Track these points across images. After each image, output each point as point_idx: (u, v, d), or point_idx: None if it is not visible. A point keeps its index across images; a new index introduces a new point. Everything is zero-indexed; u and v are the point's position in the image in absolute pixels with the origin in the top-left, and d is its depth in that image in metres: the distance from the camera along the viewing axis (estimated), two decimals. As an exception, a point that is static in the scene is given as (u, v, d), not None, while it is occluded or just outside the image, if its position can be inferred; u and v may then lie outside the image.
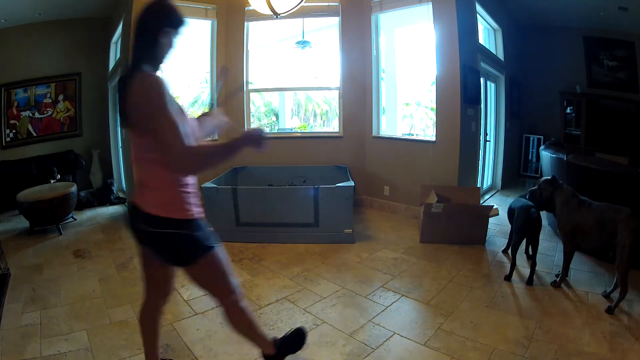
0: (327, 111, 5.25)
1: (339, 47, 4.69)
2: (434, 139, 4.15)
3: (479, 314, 2.34)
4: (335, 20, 4.69)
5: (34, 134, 5.59)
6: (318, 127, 5.31)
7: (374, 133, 4.71)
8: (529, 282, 2.70)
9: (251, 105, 4.95)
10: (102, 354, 1.99)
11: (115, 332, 2.19)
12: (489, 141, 5.29)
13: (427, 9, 4.02)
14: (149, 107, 1.22)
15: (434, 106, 4.12)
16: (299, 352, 1.99)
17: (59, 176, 4.64)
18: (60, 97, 5.71)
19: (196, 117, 1.71)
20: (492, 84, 5.32)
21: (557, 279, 2.68)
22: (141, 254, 1.59)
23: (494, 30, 5.36)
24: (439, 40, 3.96)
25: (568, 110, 6.19)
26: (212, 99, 2.79)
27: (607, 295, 2.48)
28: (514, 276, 2.82)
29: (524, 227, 2.76)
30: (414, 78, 4.66)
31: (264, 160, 4.83)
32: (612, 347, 1.98)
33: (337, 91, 4.80)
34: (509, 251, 3.06)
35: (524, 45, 6.41)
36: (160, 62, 1.42)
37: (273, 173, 4.64)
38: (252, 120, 4.99)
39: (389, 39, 4.63)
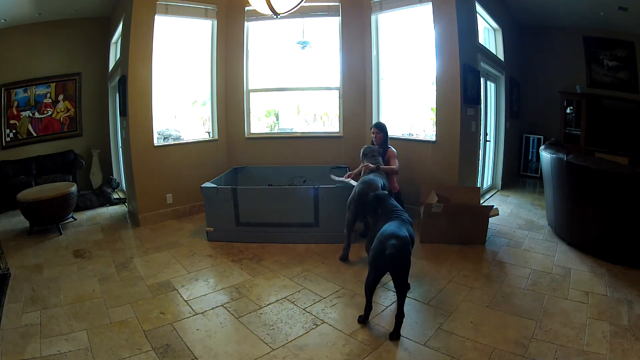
0: (327, 111, 5.25)
1: (339, 47, 4.69)
2: (434, 139, 4.15)
3: (479, 314, 2.34)
4: (335, 20, 4.69)
5: (34, 134, 5.59)
6: (318, 127, 5.29)
7: (374, 133, 4.71)
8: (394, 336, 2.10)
9: (251, 106, 4.95)
10: (102, 354, 1.99)
11: (115, 332, 2.19)
12: (489, 141, 5.29)
13: (427, 9, 4.02)
14: None
15: (434, 106, 4.12)
16: (298, 352, 1.99)
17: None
18: (60, 97, 5.71)
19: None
20: (492, 84, 5.31)
21: None
22: None
23: (494, 30, 5.36)
24: (439, 40, 3.95)
25: (568, 110, 6.19)
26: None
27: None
28: (515, 278, 2.82)
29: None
30: (414, 78, 4.64)
31: (264, 160, 4.84)
32: (612, 347, 1.97)
33: (337, 91, 4.80)
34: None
35: (524, 45, 6.41)
36: None
37: (273, 173, 4.64)
38: (252, 120, 4.99)
39: (389, 38, 4.63)
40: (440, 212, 3.41)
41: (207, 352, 2.01)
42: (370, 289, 2.19)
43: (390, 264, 2.08)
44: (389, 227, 2.29)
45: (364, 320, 2.26)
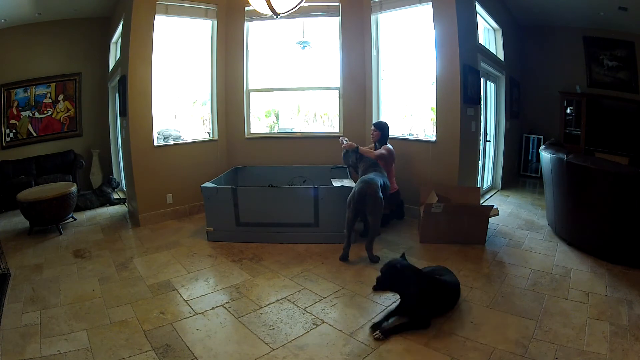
0: (327, 111, 5.25)
1: (339, 47, 4.69)
2: (434, 139, 4.15)
3: (479, 314, 2.34)
4: (335, 20, 4.69)
5: (34, 134, 5.59)
6: (318, 127, 5.30)
7: (374, 133, 4.71)
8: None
9: (251, 106, 4.95)
10: (102, 354, 1.99)
11: (115, 332, 2.19)
12: (489, 141, 5.29)
13: (427, 9, 4.02)
14: None
15: (434, 106, 4.12)
16: (298, 352, 1.99)
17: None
18: (60, 97, 5.71)
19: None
20: (492, 84, 5.31)
21: None
22: None
23: (494, 30, 5.36)
24: (439, 40, 3.95)
25: (568, 110, 6.20)
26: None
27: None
28: (515, 278, 2.83)
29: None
30: (414, 78, 4.65)
31: (264, 160, 4.85)
32: (612, 347, 1.97)
33: (337, 91, 4.80)
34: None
35: (524, 45, 6.41)
36: None
37: (273, 173, 4.64)
38: (252, 120, 4.99)
39: (389, 38, 4.63)
40: (440, 212, 3.41)
41: (207, 352, 2.01)
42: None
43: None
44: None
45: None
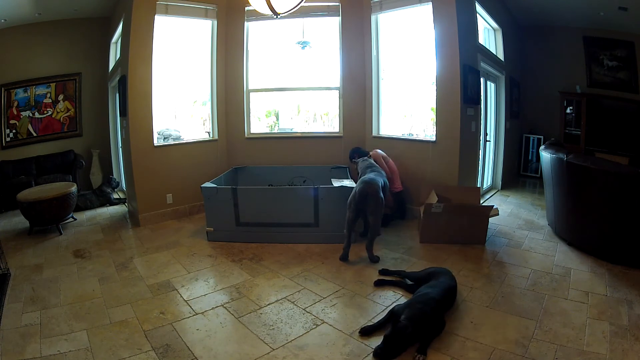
0: (327, 111, 5.25)
1: (339, 47, 4.69)
2: (434, 139, 4.15)
3: (479, 314, 2.34)
4: (335, 20, 4.69)
5: (34, 134, 5.59)
6: (318, 127, 5.30)
7: (374, 133, 4.72)
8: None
9: (251, 106, 4.95)
10: (102, 354, 1.99)
11: (115, 332, 2.19)
12: (489, 141, 5.29)
13: (427, 9, 4.02)
14: None
15: (434, 106, 4.12)
16: (298, 352, 1.99)
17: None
18: (60, 97, 5.71)
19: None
20: (492, 84, 5.31)
21: None
22: None
23: (494, 30, 5.36)
24: (439, 40, 3.95)
25: (568, 110, 6.19)
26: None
27: None
28: (515, 278, 2.83)
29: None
30: (414, 78, 4.65)
31: (264, 160, 4.85)
32: (612, 347, 1.97)
33: (337, 91, 4.80)
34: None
35: (524, 45, 6.41)
36: None
37: (273, 173, 4.65)
38: (252, 120, 4.99)
39: (389, 38, 4.63)
40: (440, 212, 3.41)
41: (207, 352, 2.01)
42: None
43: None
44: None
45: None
